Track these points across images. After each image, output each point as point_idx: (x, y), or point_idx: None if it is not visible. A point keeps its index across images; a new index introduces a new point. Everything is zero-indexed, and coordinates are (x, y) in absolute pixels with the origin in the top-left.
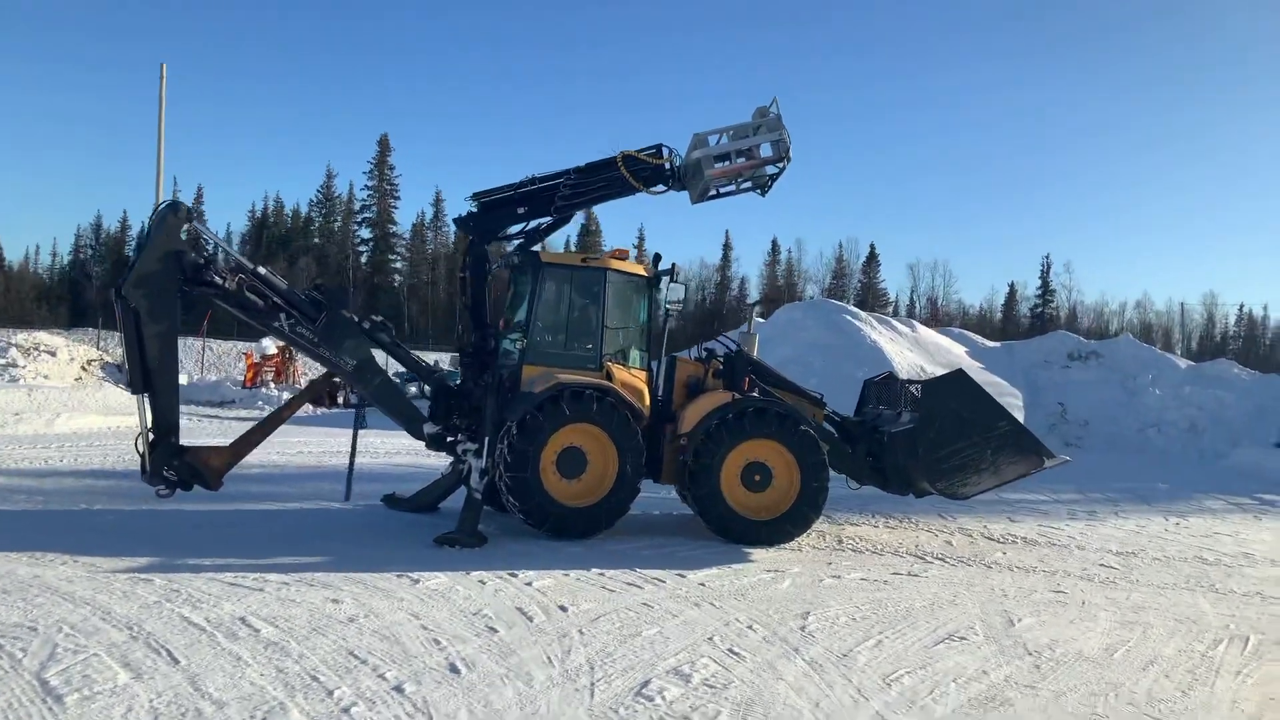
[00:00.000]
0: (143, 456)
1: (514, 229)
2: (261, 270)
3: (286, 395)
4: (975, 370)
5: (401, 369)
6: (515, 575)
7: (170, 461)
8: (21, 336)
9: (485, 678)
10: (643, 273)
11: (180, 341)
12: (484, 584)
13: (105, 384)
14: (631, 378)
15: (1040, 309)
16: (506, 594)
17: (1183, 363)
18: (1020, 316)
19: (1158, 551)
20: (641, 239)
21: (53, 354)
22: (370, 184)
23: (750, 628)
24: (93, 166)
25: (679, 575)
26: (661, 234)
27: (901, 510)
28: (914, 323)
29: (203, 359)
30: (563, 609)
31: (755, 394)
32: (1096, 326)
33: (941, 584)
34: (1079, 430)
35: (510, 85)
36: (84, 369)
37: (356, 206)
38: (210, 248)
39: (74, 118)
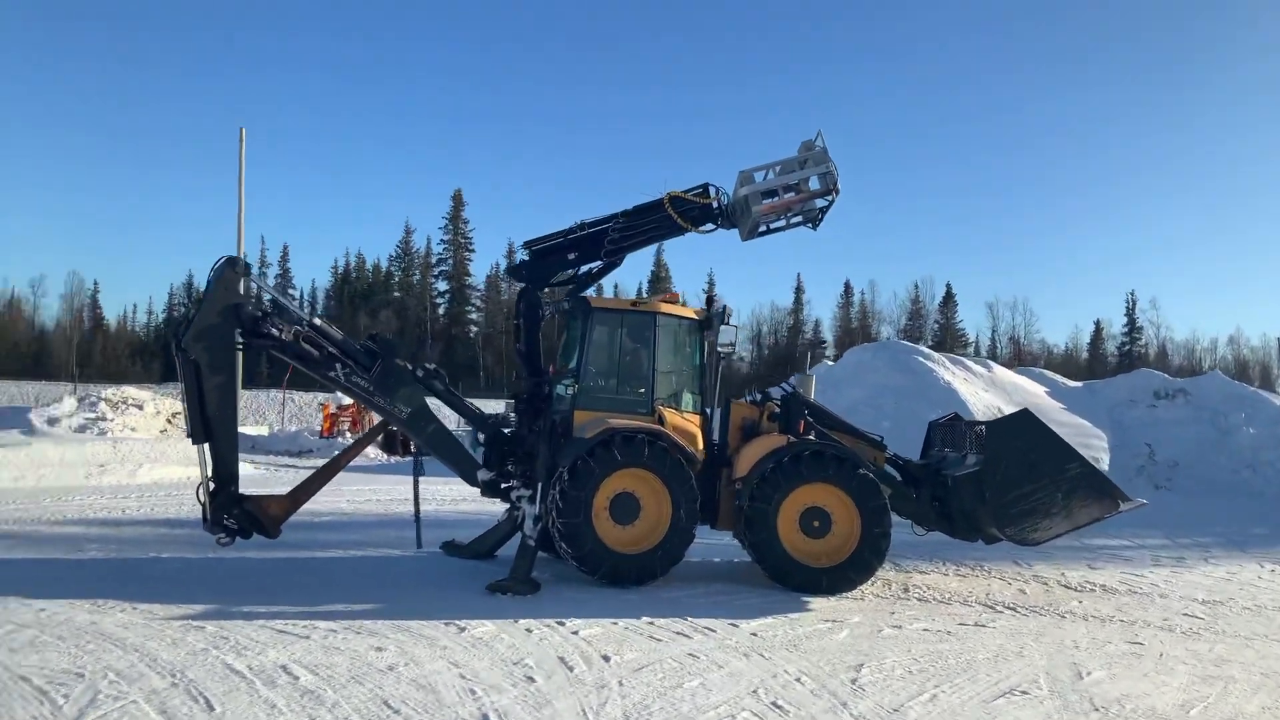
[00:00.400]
0: (204, 505)
1: (566, 274)
2: (318, 321)
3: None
4: (1056, 411)
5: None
6: (563, 623)
7: (230, 510)
8: (110, 391)
9: None
10: (693, 315)
11: (263, 394)
12: (530, 632)
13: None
14: (684, 421)
15: (1128, 347)
16: (551, 643)
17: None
18: (1107, 355)
19: (1249, 600)
20: (711, 284)
21: (140, 408)
22: (445, 238)
23: (798, 680)
24: (186, 227)
25: (731, 624)
26: (732, 279)
27: (974, 557)
28: (989, 363)
29: (283, 410)
30: (605, 659)
31: (811, 437)
32: (1187, 364)
33: (1009, 635)
34: (1168, 472)
35: (576, 127)
36: (169, 421)
37: (433, 260)
38: (267, 301)
39: (167, 182)
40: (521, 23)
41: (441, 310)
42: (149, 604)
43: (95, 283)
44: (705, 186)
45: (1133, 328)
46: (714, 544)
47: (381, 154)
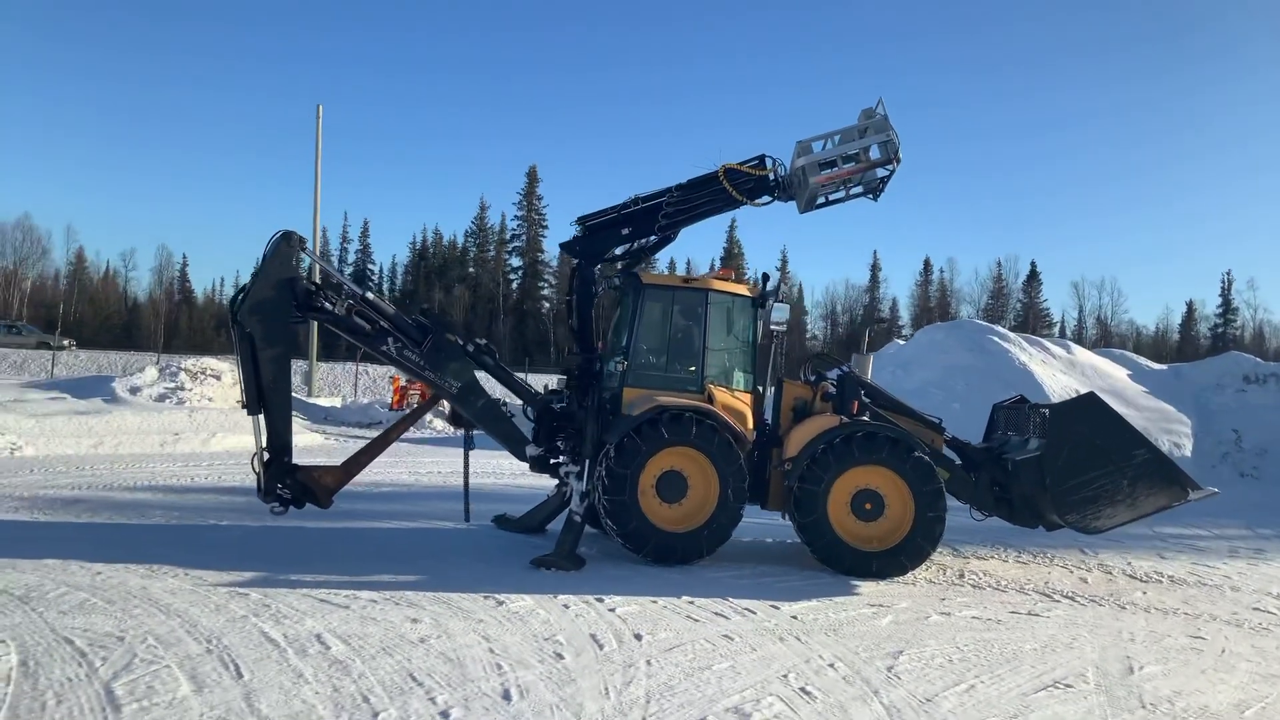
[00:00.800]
0: (258, 475)
1: (620, 249)
2: (370, 295)
3: (430, 415)
4: (1138, 395)
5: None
6: (601, 600)
7: (283, 480)
8: (191, 361)
9: (534, 706)
10: (746, 293)
11: (338, 366)
12: (567, 608)
13: None
14: (734, 400)
15: (1221, 329)
16: (586, 619)
17: None
18: (1199, 338)
19: None
20: (784, 260)
21: (218, 378)
22: (520, 214)
23: (832, 665)
24: (272, 205)
25: (772, 606)
26: (807, 255)
27: (1038, 544)
28: (1069, 344)
29: (356, 382)
30: (638, 637)
31: (866, 417)
32: None
33: (1063, 625)
34: (1255, 460)
35: (650, 103)
36: None
37: (508, 236)
38: (319, 275)
39: (255, 161)
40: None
41: (515, 285)
42: (201, 570)
43: (184, 256)
44: (761, 158)
45: (1227, 309)
46: (766, 524)
47: (459, 130)
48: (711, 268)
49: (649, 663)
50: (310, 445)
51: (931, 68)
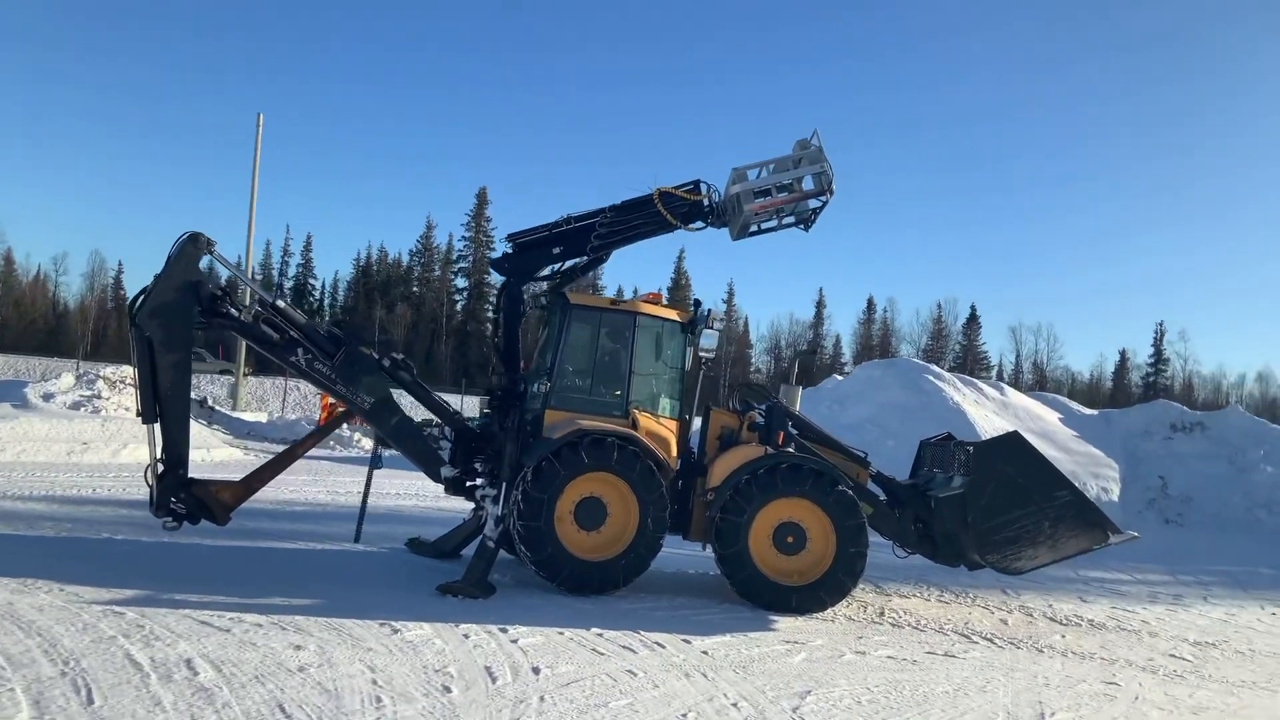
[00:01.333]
0: (151, 488)
1: (550, 269)
2: (280, 304)
3: (359, 435)
4: (1068, 439)
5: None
6: (505, 630)
7: (177, 493)
8: (111, 369)
9: None
10: (676, 317)
11: (268, 380)
12: (467, 638)
13: None
14: (658, 426)
15: (1153, 378)
16: (485, 650)
17: None
18: (1132, 386)
19: (1243, 644)
20: (731, 294)
21: (137, 387)
22: (468, 235)
23: (735, 705)
24: (211, 212)
25: (684, 640)
26: (752, 290)
27: (961, 583)
28: (1003, 385)
29: (285, 398)
30: (535, 671)
31: (791, 449)
32: (1214, 399)
33: (978, 667)
34: (1180, 506)
35: (596, 127)
36: None
37: (454, 256)
38: (226, 280)
39: (196, 172)
40: (545, 24)
41: (460, 306)
42: (80, 586)
43: (120, 263)
44: (696, 183)
45: (1159, 359)
46: (690, 556)
47: (408, 149)
48: (692, 301)
49: (542, 699)
50: (228, 460)
51: (875, 93)
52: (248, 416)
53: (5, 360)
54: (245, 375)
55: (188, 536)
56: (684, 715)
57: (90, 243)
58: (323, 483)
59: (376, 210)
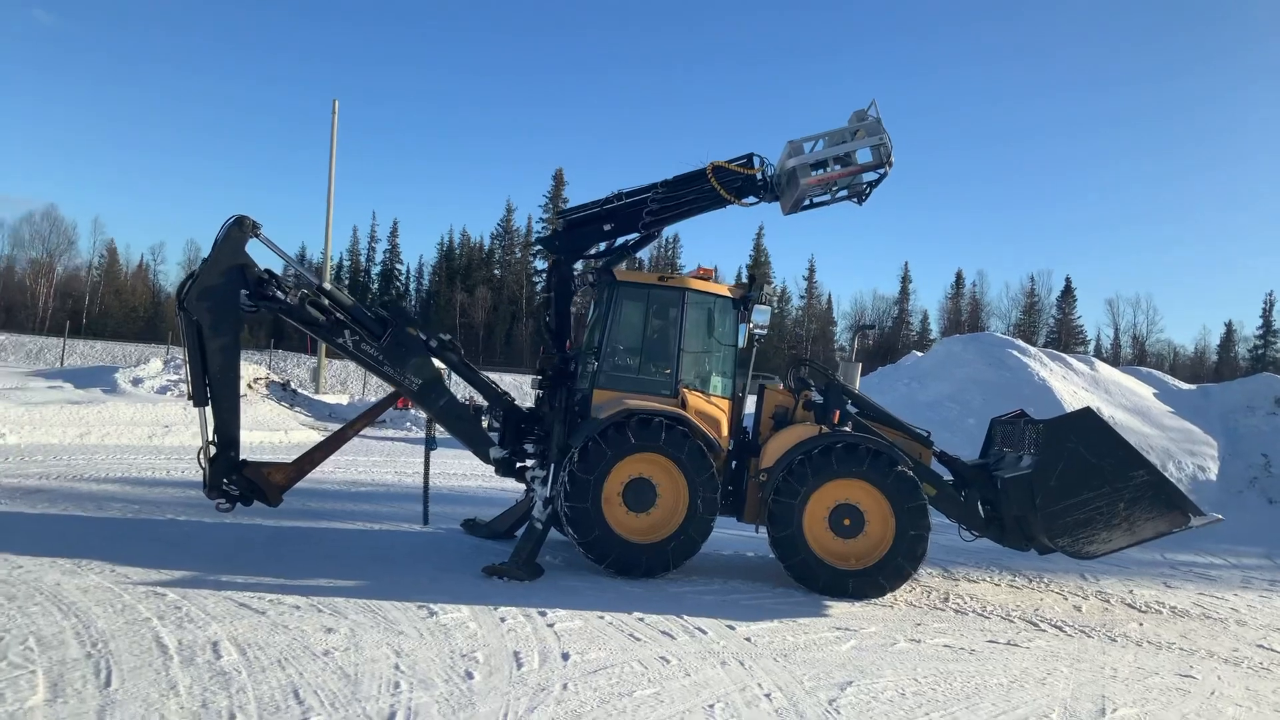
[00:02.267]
0: (204, 470)
1: (602, 246)
2: (327, 285)
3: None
4: (1163, 415)
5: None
6: (544, 614)
7: (229, 475)
8: None
9: None
10: (726, 293)
11: (351, 364)
12: (503, 621)
13: (268, 400)
14: (708, 405)
15: (1261, 350)
16: (519, 634)
17: None
18: (1239, 359)
19: None
20: (812, 270)
21: None
22: (545, 216)
23: (768, 695)
24: (298, 199)
25: (727, 626)
26: (835, 266)
27: (1036, 567)
28: (1092, 360)
29: (365, 380)
30: (565, 657)
31: (848, 428)
32: None
33: (1041, 657)
34: None
35: (676, 108)
36: (250, 386)
37: (533, 238)
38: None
39: (295, 161)
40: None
41: (539, 288)
42: (129, 567)
43: None
44: (750, 156)
45: (1268, 330)
46: (749, 538)
47: (490, 132)
48: (738, 276)
49: (565, 686)
50: (306, 442)
51: (952, 69)
52: (329, 399)
53: (105, 347)
54: (327, 358)
55: (249, 517)
56: (710, 706)
57: (186, 232)
58: (393, 464)
59: (460, 193)
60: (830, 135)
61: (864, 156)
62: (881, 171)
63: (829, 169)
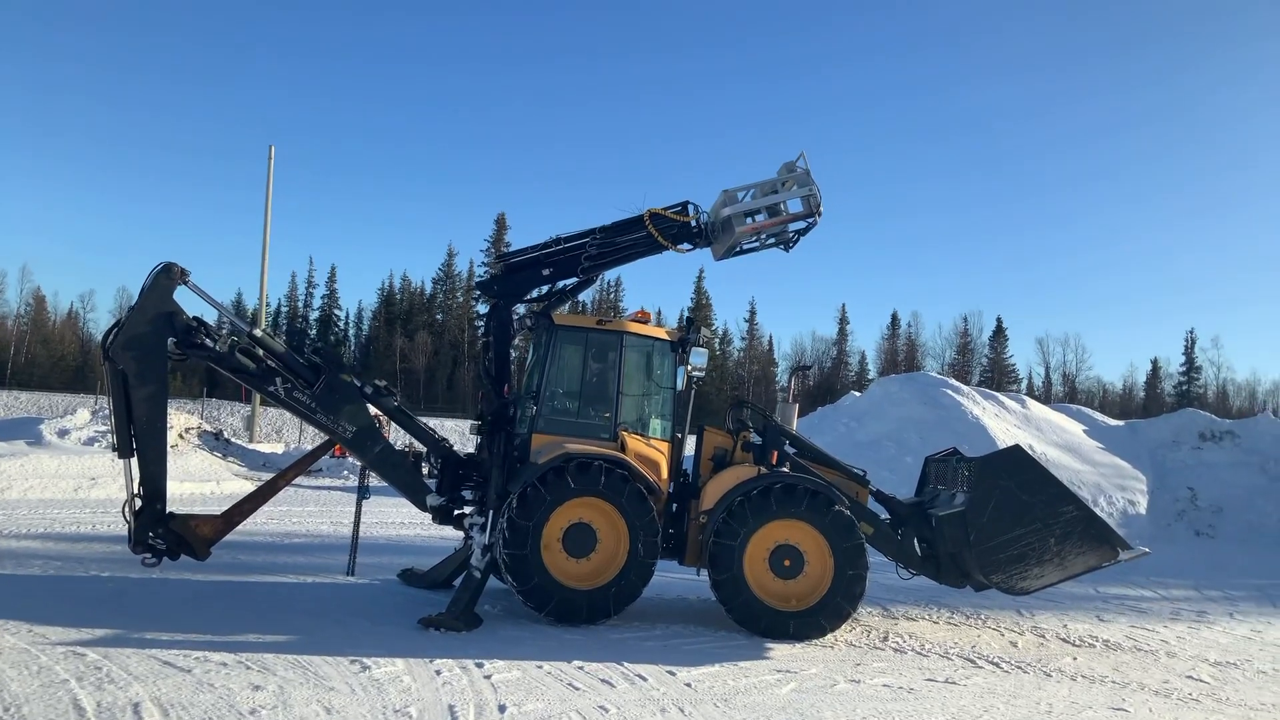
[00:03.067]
0: (129, 523)
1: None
2: (258, 333)
3: None
4: (1093, 451)
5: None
6: (481, 665)
7: (155, 529)
8: None
9: None
10: (664, 336)
11: (286, 413)
12: (438, 674)
13: (199, 451)
14: (648, 448)
15: (1185, 387)
16: (454, 687)
17: None
18: (1164, 395)
19: (1267, 663)
20: (753, 312)
21: None
22: (487, 261)
23: None
24: (233, 247)
25: (668, 672)
26: (774, 308)
27: (973, 604)
28: (1024, 398)
29: (302, 429)
30: (501, 709)
31: (786, 468)
32: (1249, 406)
33: (978, 694)
34: (1211, 518)
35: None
36: (181, 436)
37: (474, 283)
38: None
39: (223, 208)
40: (561, 42)
41: (480, 331)
42: (50, 626)
43: None
44: (685, 204)
45: (1190, 367)
46: (692, 581)
47: (429, 178)
48: (680, 319)
49: None
50: (239, 493)
51: (884, 101)
52: (264, 448)
53: (30, 398)
54: (261, 406)
55: (177, 571)
56: None
57: (118, 280)
58: (329, 514)
59: (401, 237)
60: (761, 185)
61: (794, 206)
62: (810, 220)
63: (760, 218)
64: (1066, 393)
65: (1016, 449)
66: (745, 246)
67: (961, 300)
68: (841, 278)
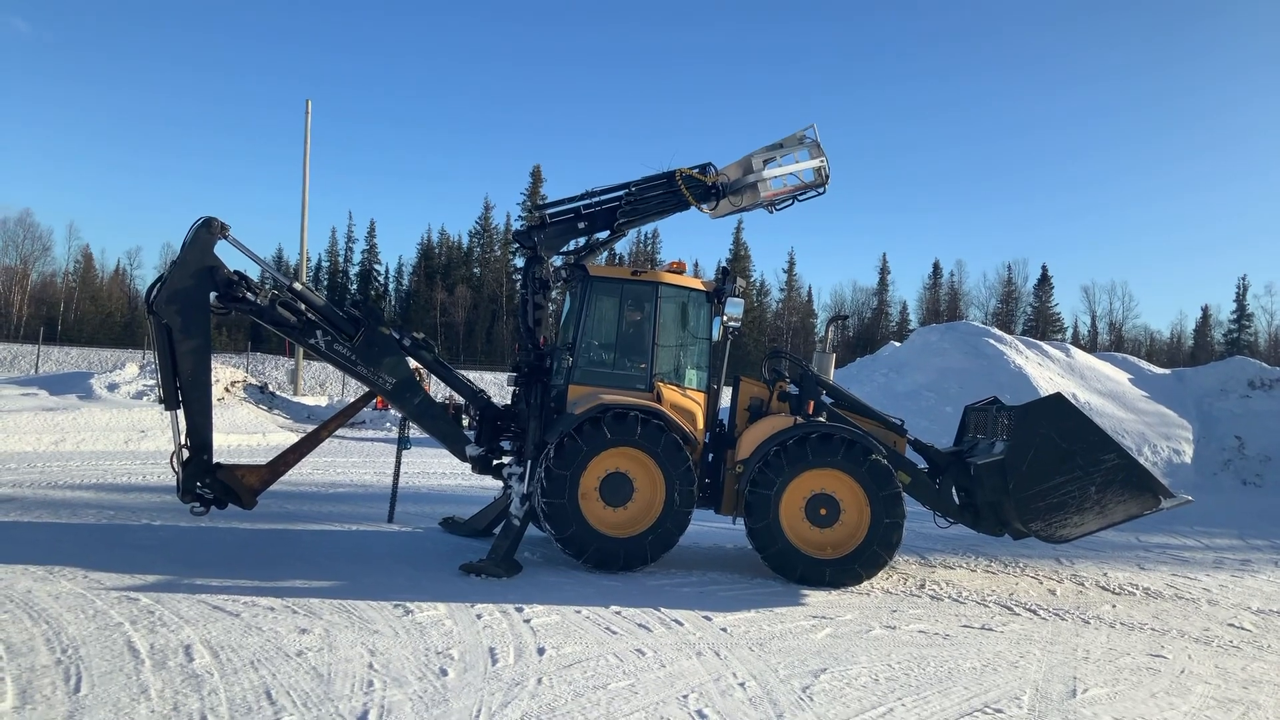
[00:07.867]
0: (177, 474)
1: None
2: (298, 286)
3: None
4: (1138, 399)
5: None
6: (520, 610)
7: (203, 479)
8: None
9: None
10: (700, 287)
11: (329, 366)
12: (479, 618)
13: (246, 404)
14: (683, 399)
15: (1236, 335)
16: (494, 631)
17: None
18: (1214, 343)
19: None
20: (792, 263)
21: None
22: (524, 214)
23: (742, 684)
24: (277, 201)
25: (704, 617)
26: (814, 258)
27: (1012, 553)
28: (1068, 346)
29: (344, 381)
30: (540, 651)
31: (823, 418)
32: None
33: (1015, 641)
34: (1258, 467)
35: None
36: (227, 390)
37: (511, 236)
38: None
39: (270, 166)
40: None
41: (518, 286)
42: (103, 573)
43: None
44: (706, 165)
45: (1242, 314)
46: (728, 530)
47: (467, 130)
48: (718, 271)
49: (539, 680)
50: (284, 444)
51: (932, 71)
52: (308, 400)
53: (80, 353)
54: (305, 360)
55: (224, 520)
56: (684, 697)
57: (163, 236)
58: (372, 464)
59: (439, 191)
60: (779, 152)
61: (807, 176)
62: (819, 190)
63: (777, 184)
64: (1113, 341)
65: (1057, 396)
66: (743, 206)
67: (1006, 249)
68: (883, 228)
